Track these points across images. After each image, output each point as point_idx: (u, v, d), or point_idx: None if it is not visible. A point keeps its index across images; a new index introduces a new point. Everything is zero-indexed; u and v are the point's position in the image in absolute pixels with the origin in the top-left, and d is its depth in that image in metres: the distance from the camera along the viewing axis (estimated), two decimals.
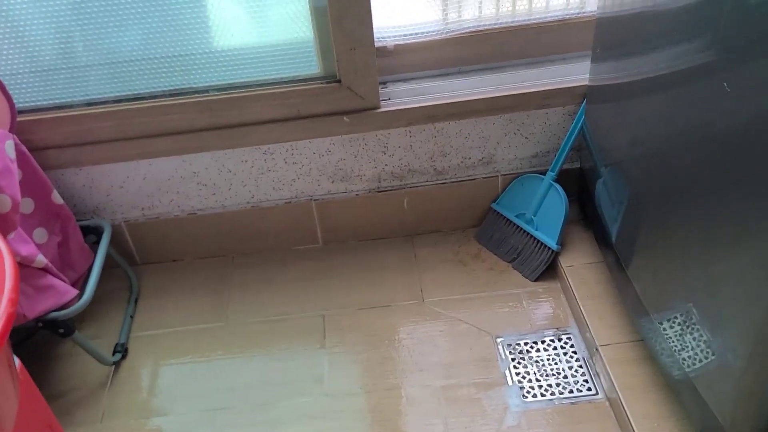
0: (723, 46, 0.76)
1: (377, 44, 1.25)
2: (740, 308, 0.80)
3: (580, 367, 1.19)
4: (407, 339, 1.26)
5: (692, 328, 0.91)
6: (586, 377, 1.17)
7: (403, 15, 1.32)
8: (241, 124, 1.28)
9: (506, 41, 1.32)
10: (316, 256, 1.45)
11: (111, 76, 1.24)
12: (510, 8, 1.31)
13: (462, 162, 1.38)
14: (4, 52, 1.18)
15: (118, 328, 1.33)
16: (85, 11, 1.16)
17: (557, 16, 1.30)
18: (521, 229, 1.38)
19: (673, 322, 0.98)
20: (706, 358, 0.90)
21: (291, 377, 1.22)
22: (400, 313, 1.31)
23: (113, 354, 1.28)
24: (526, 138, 1.36)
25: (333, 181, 1.39)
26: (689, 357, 0.94)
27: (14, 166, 1.09)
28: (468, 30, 1.30)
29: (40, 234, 1.21)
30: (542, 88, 1.28)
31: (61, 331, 1.14)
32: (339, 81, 1.25)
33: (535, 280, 1.35)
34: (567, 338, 1.24)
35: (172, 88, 1.26)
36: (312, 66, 1.26)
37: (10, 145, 1.10)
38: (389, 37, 1.30)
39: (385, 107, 1.28)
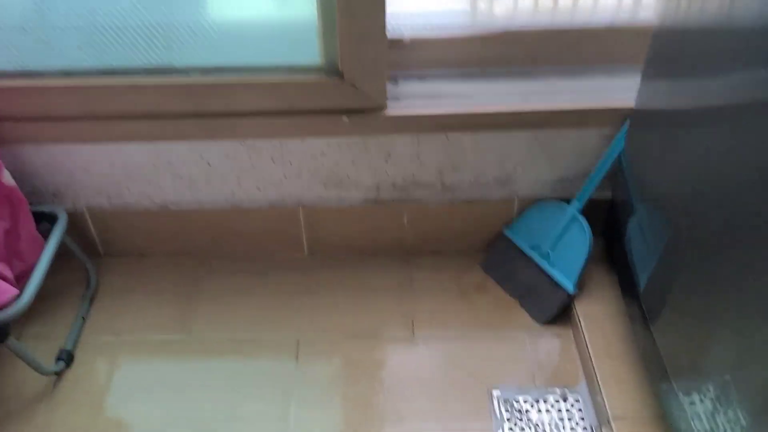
0: None
1: (390, 35, 1.07)
2: None
3: None
4: (390, 379, 1.10)
5: (727, 407, 0.77)
6: None
7: (424, 1, 1.14)
8: (225, 114, 1.11)
9: (542, 44, 1.14)
10: (299, 267, 1.28)
11: (83, 43, 1.08)
12: (550, 5, 1.12)
13: (475, 179, 1.21)
14: None
15: (66, 329, 1.18)
16: None
17: (605, 20, 1.12)
18: (535, 263, 1.20)
19: (704, 397, 0.83)
20: None
21: (251, 413, 1.06)
22: (386, 347, 1.15)
23: (56, 362, 1.12)
24: (551, 159, 1.18)
25: (325, 187, 1.21)
26: None
27: None
28: (498, 28, 1.12)
29: None
30: (579, 106, 1.10)
31: None
32: (341, 75, 1.07)
33: (545, 324, 1.17)
34: (575, 400, 1.07)
35: (150, 65, 1.09)
36: (312, 55, 1.08)
37: None
38: (405, 25, 1.12)
39: (393, 109, 1.11)
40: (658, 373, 0.94)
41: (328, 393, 1.08)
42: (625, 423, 0.99)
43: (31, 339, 1.17)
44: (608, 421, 0.99)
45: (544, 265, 1.19)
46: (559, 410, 1.06)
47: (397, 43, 1.12)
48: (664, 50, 0.95)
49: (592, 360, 1.07)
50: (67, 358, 1.13)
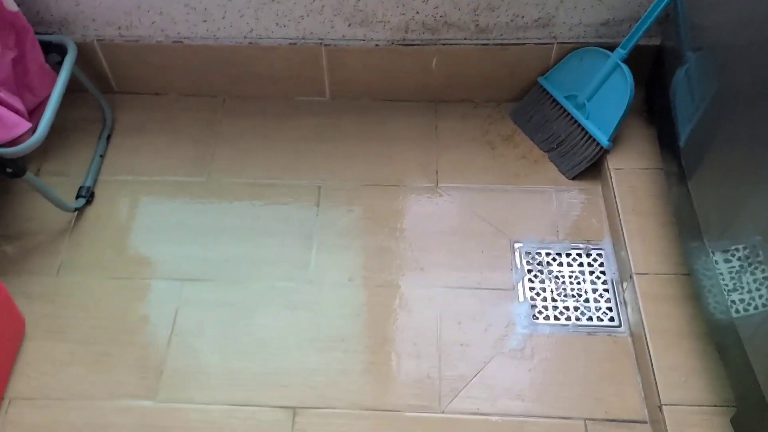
0: None
1: None
2: None
3: (606, 291, 1.02)
4: (411, 230, 1.09)
5: (754, 267, 0.76)
6: (611, 305, 1.01)
7: None
8: None
9: None
10: (320, 111, 1.23)
11: None
12: None
13: (512, 20, 1.11)
14: None
15: (85, 167, 1.16)
16: None
17: None
18: (569, 114, 1.14)
19: (732, 256, 0.82)
20: (764, 305, 0.75)
21: (272, 256, 1.06)
22: (408, 197, 1.12)
23: (76, 198, 1.12)
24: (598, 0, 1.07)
25: (350, 25, 1.12)
26: (741, 300, 0.79)
27: None
28: None
29: None
30: None
31: (9, 170, 0.97)
32: None
33: (573, 179, 1.13)
34: (598, 255, 1.05)
35: None
36: None
37: None
38: None
39: None
40: (690, 231, 0.91)
41: (348, 239, 1.08)
42: (648, 279, 0.97)
43: (50, 176, 1.16)
44: (630, 277, 0.98)
45: (578, 116, 1.12)
46: (581, 264, 1.05)
47: None
48: None
49: (620, 216, 1.04)
50: (87, 194, 1.12)
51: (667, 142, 1.04)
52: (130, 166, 1.17)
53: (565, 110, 1.14)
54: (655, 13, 1.03)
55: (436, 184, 1.13)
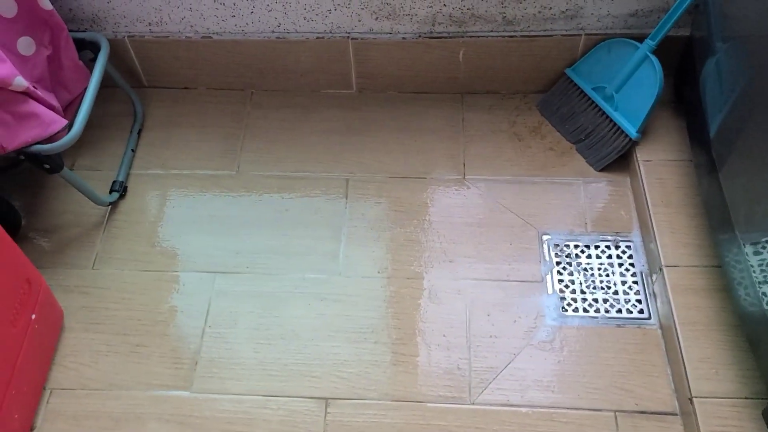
0: None
1: None
2: None
3: (636, 283, 1.02)
4: (439, 222, 1.09)
5: None
6: (641, 297, 1.01)
7: None
8: None
9: None
10: (347, 104, 1.24)
11: None
12: None
13: (540, 12, 1.10)
14: None
15: (117, 161, 1.18)
16: None
17: None
18: (597, 106, 1.13)
19: (762, 248, 0.82)
20: None
21: (302, 249, 1.08)
22: (435, 189, 1.13)
23: (110, 192, 1.14)
24: None
25: (377, 18, 1.13)
26: None
27: None
28: None
29: (26, 44, 1.02)
30: None
31: (47, 166, 0.99)
32: None
33: (601, 170, 1.13)
34: (627, 247, 1.05)
35: None
36: None
37: None
38: None
39: None
40: (721, 223, 0.91)
41: (377, 232, 1.09)
42: (677, 271, 0.97)
43: (84, 171, 1.18)
44: (660, 269, 0.98)
45: (606, 108, 1.12)
46: (610, 256, 1.05)
47: None
48: None
49: (649, 208, 1.04)
50: (121, 189, 1.14)
51: (696, 133, 1.03)
52: (161, 160, 1.19)
53: (592, 102, 1.14)
54: (686, 4, 1.02)
55: (464, 176, 1.14)
